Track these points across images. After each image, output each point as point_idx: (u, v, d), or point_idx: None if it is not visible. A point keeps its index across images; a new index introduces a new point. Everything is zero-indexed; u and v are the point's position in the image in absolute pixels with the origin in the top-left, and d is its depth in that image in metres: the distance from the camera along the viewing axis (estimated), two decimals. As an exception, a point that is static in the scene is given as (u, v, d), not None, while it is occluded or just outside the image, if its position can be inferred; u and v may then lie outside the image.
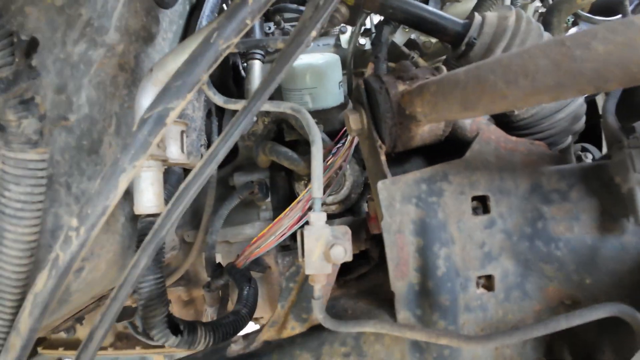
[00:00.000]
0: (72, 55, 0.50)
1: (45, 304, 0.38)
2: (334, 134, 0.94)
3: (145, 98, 0.56)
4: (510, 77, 0.36)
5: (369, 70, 1.01)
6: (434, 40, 1.14)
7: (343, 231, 0.52)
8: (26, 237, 0.39)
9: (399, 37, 1.11)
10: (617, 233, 0.54)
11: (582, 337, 0.60)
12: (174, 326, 0.58)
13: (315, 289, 0.50)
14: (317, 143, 0.52)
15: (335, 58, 1.12)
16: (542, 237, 0.56)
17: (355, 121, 0.59)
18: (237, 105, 0.58)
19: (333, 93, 1.10)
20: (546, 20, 1.01)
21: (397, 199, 0.54)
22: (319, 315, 0.50)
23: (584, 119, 0.69)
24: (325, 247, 0.49)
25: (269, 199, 1.11)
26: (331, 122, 1.10)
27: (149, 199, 0.53)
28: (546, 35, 0.65)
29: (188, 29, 0.87)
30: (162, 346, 1.27)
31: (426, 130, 0.57)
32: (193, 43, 0.51)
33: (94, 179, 0.53)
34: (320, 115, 1.09)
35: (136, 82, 0.63)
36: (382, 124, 0.56)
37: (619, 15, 1.21)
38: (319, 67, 1.07)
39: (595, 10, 1.18)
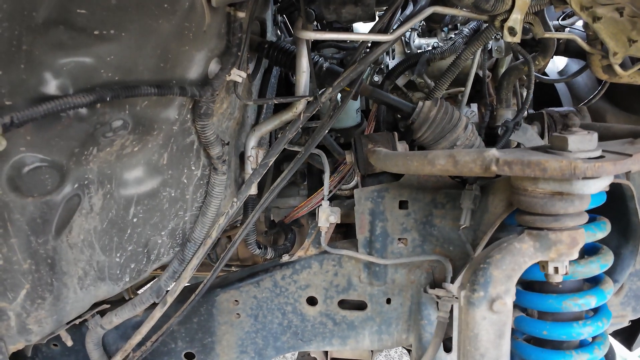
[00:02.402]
0: (226, 127, 1.26)
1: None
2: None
3: (250, 141, 1.33)
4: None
5: (373, 108, 1.68)
6: (429, 80, 1.75)
7: (336, 209, 1.27)
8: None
9: (401, 80, 1.75)
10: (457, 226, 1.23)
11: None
12: (258, 244, 1.39)
13: (322, 232, 1.27)
14: (326, 168, 1.26)
15: (355, 94, 1.81)
16: (429, 224, 1.27)
17: (349, 157, 1.32)
18: (293, 148, 1.33)
19: (352, 117, 1.78)
20: (500, 83, 1.60)
21: (362, 198, 1.28)
22: (323, 243, 1.27)
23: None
24: (327, 214, 1.25)
25: (305, 182, 1.87)
26: (350, 136, 1.81)
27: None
28: (460, 118, 1.30)
29: (263, 84, 1.59)
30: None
31: (381, 166, 1.29)
32: (269, 126, 1.27)
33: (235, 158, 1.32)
34: (343, 131, 1.80)
35: (243, 128, 1.39)
36: (359, 161, 1.28)
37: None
38: (343, 101, 1.77)
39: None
